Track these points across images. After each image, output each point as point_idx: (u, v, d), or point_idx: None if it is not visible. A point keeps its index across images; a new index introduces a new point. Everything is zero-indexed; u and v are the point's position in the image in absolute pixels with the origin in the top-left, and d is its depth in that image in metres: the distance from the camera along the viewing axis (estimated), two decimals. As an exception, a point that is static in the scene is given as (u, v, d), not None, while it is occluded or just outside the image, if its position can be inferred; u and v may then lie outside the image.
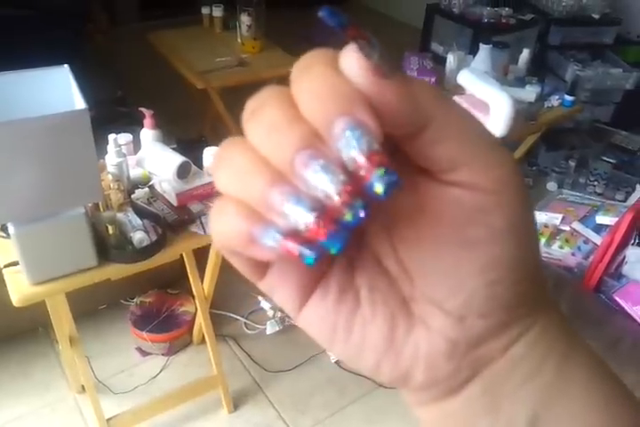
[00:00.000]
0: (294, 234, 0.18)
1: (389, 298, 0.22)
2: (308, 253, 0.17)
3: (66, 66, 1.13)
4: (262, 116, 0.19)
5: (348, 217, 0.17)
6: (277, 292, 0.23)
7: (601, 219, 1.83)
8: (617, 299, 1.57)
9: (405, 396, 0.24)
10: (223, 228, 0.19)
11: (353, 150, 0.17)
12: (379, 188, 0.17)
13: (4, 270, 1.27)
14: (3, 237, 1.30)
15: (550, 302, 0.22)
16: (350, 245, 0.20)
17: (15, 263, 1.24)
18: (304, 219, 0.17)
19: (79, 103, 1.07)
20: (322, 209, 0.17)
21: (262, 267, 0.22)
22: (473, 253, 0.20)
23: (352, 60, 0.18)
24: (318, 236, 0.17)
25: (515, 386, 0.21)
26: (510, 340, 0.21)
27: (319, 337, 0.23)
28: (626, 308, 1.55)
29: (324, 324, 0.22)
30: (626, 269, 1.62)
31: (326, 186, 0.17)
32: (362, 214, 0.17)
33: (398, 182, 0.17)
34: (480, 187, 0.19)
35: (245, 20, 2.51)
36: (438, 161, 0.19)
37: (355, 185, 0.17)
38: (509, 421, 0.21)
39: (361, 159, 0.17)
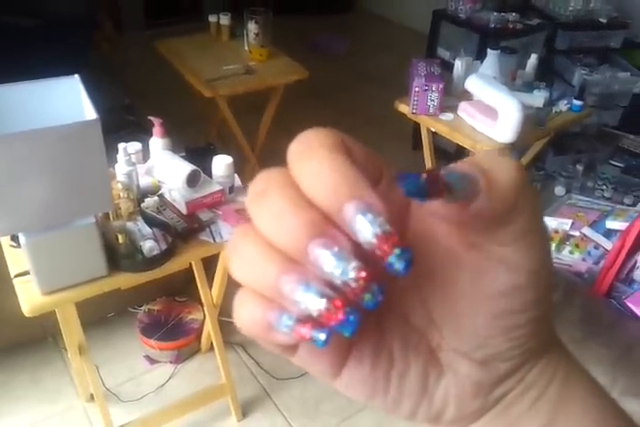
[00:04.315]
0: (307, 319, 0.19)
1: (420, 351, 0.24)
2: (318, 337, 0.18)
3: (76, 76, 1.13)
4: (267, 202, 0.19)
5: (367, 299, 0.18)
6: (310, 366, 0.23)
7: (611, 224, 1.81)
8: (629, 304, 1.55)
9: None
10: (244, 317, 0.20)
11: (367, 234, 0.18)
12: (399, 266, 0.18)
13: (15, 280, 1.27)
14: (14, 246, 1.31)
15: (554, 332, 0.25)
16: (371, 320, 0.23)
17: (26, 273, 1.24)
18: (315, 305, 0.18)
19: (89, 113, 1.07)
20: (331, 295, 0.18)
21: (291, 346, 0.23)
22: (506, 320, 0.22)
23: (443, 216, 0.19)
24: (330, 321, 0.18)
25: (525, 407, 0.24)
26: (526, 372, 0.24)
27: (358, 397, 0.24)
28: (638, 313, 1.53)
29: (362, 386, 0.23)
30: (637, 275, 1.60)
31: (342, 273, 0.18)
32: (380, 298, 0.18)
33: (413, 259, 0.18)
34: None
35: (252, 27, 2.51)
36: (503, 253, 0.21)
37: (369, 270, 0.18)
38: None
39: (377, 242, 0.18)
